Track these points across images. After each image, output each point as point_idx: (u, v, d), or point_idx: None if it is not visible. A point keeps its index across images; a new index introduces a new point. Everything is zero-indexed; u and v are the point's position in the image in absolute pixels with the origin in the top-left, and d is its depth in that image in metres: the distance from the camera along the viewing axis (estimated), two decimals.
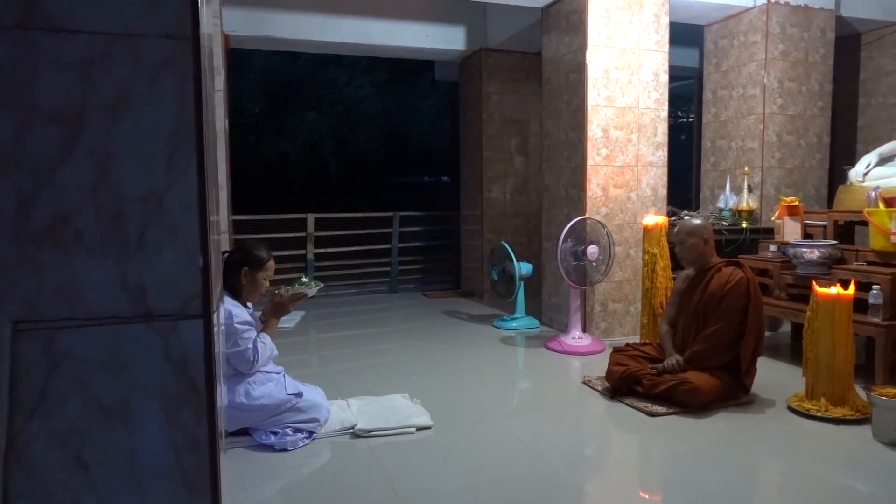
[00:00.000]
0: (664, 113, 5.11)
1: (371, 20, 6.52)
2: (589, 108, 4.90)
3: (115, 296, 1.00)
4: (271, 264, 3.11)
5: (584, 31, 4.89)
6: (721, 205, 5.60)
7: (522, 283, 5.53)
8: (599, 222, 4.70)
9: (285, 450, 2.88)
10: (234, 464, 2.79)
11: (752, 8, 5.55)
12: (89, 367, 0.98)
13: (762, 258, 4.55)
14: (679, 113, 9.05)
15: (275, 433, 2.95)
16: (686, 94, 8.32)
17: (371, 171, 13.86)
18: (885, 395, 2.94)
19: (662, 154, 5.13)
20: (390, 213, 8.04)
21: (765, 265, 4.48)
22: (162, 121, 1.01)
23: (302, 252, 7.47)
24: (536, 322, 5.58)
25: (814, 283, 3.44)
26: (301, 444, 2.93)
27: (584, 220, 4.67)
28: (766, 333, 4.22)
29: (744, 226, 5.31)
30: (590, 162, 4.92)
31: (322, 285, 3.28)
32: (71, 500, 0.98)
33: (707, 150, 6.11)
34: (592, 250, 4.49)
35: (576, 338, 4.72)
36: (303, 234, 7.47)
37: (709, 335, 3.46)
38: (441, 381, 3.99)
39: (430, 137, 13.43)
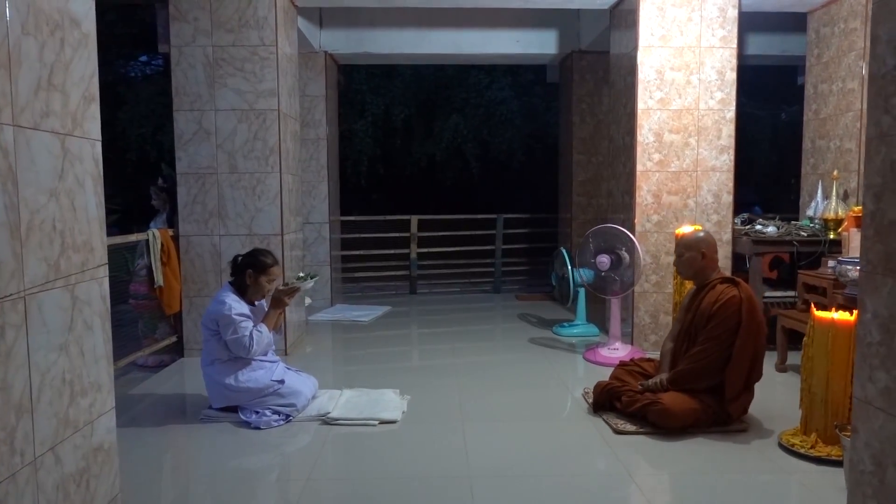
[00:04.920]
0: (731, 114, 4.74)
1: (463, 31, 6.78)
2: (639, 111, 4.72)
3: None
4: (275, 270, 3.54)
5: (635, 32, 4.72)
6: (811, 212, 5.03)
7: (582, 289, 5.46)
8: (621, 230, 4.52)
9: (259, 428, 3.32)
10: (222, 436, 3.29)
11: None
12: None
13: (820, 275, 4.07)
14: None
15: (256, 412, 3.40)
16: None
17: (511, 172, 14.07)
18: None
19: (728, 158, 4.77)
20: (494, 216, 8.26)
21: (821, 282, 4.02)
22: None
23: (406, 251, 7.98)
24: (596, 329, 5.48)
25: (812, 305, 3.09)
26: (275, 424, 3.35)
27: (601, 228, 4.54)
28: None
29: (830, 237, 4.73)
30: (639, 168, 4.74)
31: (318, 277, 3.65)
32: None
33: (807, 151, 5.48)
34: (602, 259, 4.35)
35: (611, 349, 4.61)
36: (406, 234, 7.97)
37: (692, 355, 3.27)
38: (451, 381, 4.17)
39: None
